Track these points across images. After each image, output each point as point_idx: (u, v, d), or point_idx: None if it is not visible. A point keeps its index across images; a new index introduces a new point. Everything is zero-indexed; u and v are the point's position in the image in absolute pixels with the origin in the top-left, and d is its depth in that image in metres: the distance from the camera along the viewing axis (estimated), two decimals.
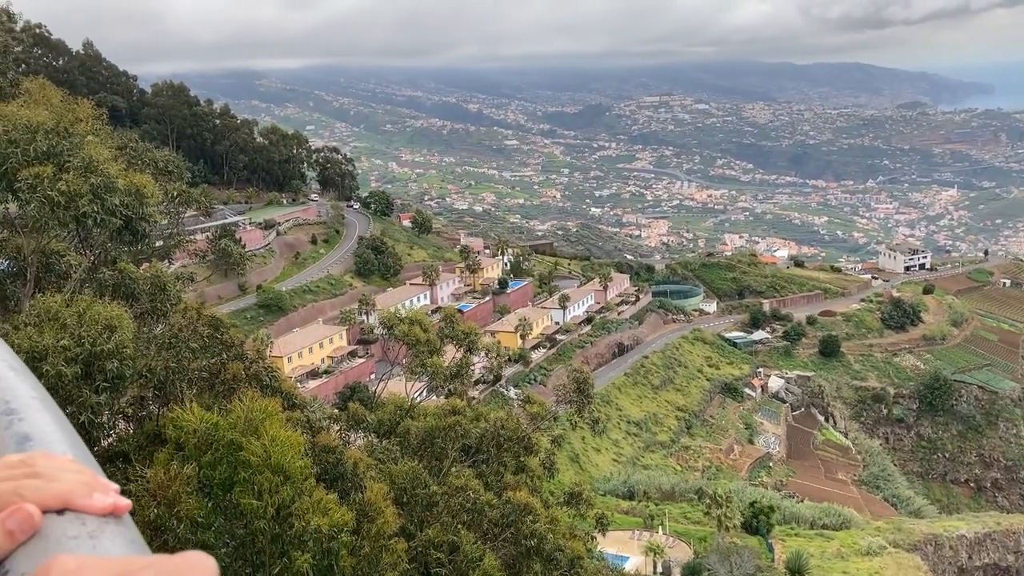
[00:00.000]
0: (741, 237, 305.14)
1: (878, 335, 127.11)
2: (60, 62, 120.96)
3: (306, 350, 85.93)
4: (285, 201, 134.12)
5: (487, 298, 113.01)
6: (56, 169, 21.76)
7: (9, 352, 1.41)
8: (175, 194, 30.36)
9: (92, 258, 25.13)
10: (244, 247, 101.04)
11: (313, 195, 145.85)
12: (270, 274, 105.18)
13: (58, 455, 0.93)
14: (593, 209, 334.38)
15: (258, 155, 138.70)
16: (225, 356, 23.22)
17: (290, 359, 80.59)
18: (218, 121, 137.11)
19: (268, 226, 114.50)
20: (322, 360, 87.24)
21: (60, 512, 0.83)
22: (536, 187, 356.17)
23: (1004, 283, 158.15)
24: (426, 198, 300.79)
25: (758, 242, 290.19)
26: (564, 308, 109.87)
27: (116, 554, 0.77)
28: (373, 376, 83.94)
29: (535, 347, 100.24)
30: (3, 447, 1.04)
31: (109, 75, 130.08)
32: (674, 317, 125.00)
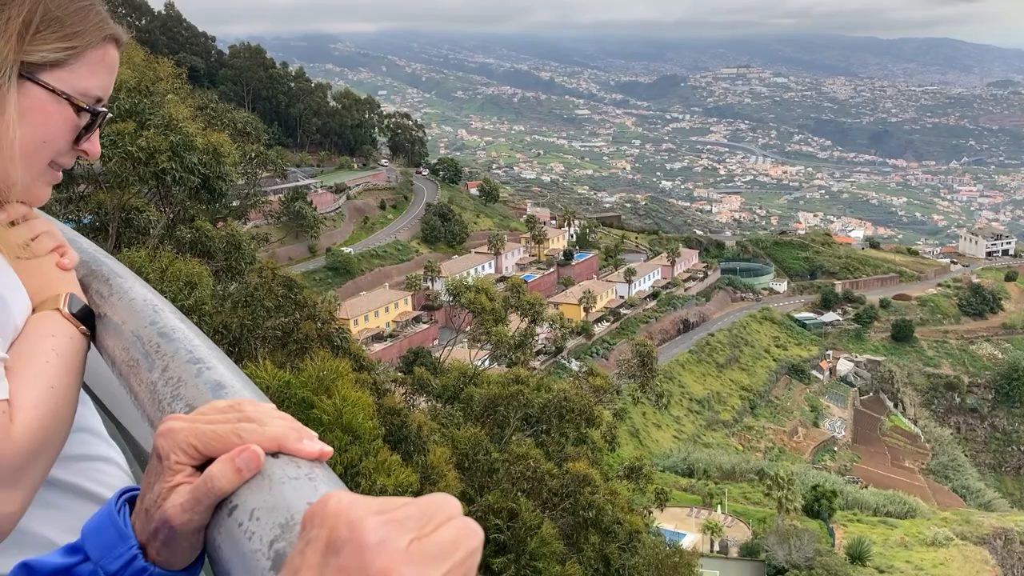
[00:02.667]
0: (816, 216, 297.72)
1: (954, 321, 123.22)
2: (142, 22, 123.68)
3: (372, 314, 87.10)
4: (356, 166, 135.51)
5: (551, 269, 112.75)
6: (137, 126, 22.25)
7: (171, 306, 1.45)
8: (252, 155, 30.80)
9: (170, 215, 25.74)
10: (315, 210, 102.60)
11: (383, 160, 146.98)
12: (339, 237, 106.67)
13: (263, 403, 0.97)
14: (664, 182, 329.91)
15: (331, 119, 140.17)
16: (298, 316, 23.60)
17: (356, 322, 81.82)
18: (293, 84, 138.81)
19: (339, 190, 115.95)
20: (387, 324, 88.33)
21: (275, 455, 0.87)
22: (606, 158, 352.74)
23: None
24: (494, 166, 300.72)
25: (833, 221, 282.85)
26: (629, 282, 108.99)
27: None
28: (436, 342, 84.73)
29: (598, 320, 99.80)
30: (199, 394, 1.09)
31: (189, 35, 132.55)
32: (742, 295, 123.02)
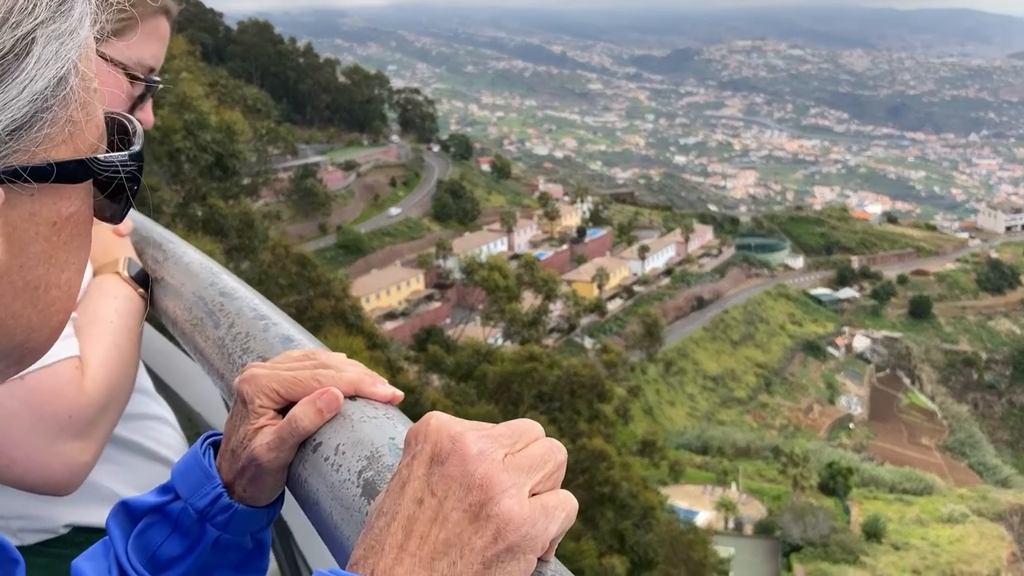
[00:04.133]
0: (832, 190, 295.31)
1: (973, 297, 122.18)
2: None
3: (383, 292, 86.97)
4: (366, 142, 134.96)
5: (564, 246, 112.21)
6: (151, 105, 21.92)
7: (226, 269, 1.54)
8: (264, 132, 30.48)
9: (183, 193, 25.50)
10: (325, 187, 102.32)
11: (393, 137, 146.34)
12: (349, 215, 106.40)
13: (333, 352, 1.03)
14: (678, 157, 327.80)
15: (340, 95, 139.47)
16: (312, 293, 23.39)
17: (367, 300, 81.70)
18: (301, 60, 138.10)
19: (349, 167, 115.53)
20: (399, 302, 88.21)
21: (352, 398, 0.93)
22: (619, 133, 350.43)
23: None
24: (506, 142, 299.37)
25: (849, 196, 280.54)
26: (643, 259, 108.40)
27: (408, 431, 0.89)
28: (448, 320, 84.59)
29: (612, 297, 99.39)
30: (269, 347, 1.16)
31: (196, 11, 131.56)
32: (757, 271, 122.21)
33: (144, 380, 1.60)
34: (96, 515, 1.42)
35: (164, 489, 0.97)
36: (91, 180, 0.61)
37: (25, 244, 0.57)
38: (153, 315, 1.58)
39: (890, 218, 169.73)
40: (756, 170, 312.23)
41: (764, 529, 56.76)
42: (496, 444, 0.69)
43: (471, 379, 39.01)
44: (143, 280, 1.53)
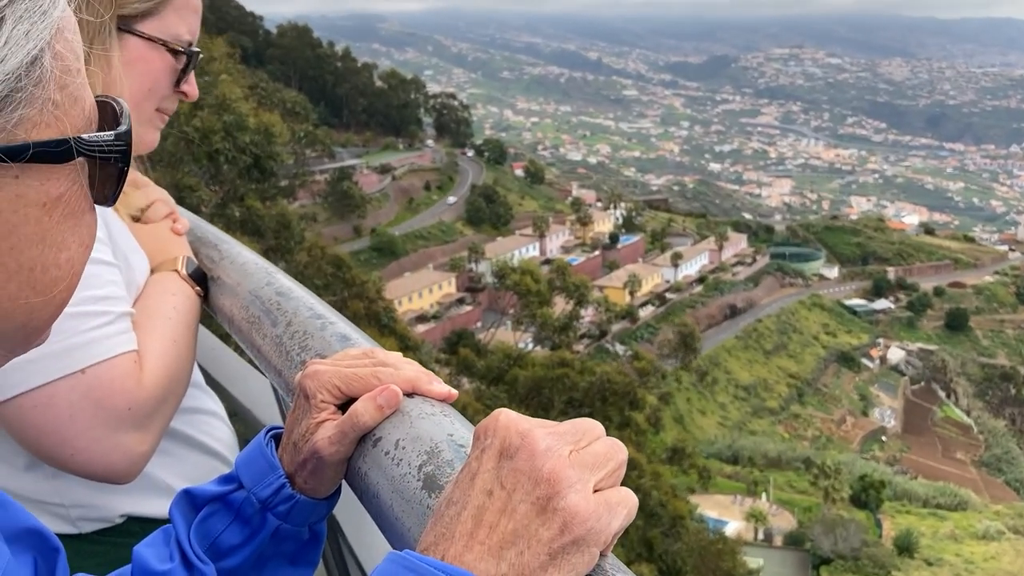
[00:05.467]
0: (868, 200, 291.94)
1: (1011, 310, 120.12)
2: None
3: (416, 295, 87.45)
4: (401, 146, 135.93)
5: (596, 252, 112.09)
6: (191, 106, 22.42)
7: (280, 269, 1.57)
8: (302, 135, 30.91)
9: (221, 194, 25.95)
10: (361, 190, 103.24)
11: (428, 141, 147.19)
12: (384, 218, 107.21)
13: (389, 351, 1.05)
14: (712, 165, 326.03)
15: (377, 99, 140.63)
16: (346, 294, 23.68)
17: (399, 303, 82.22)
18: (339, 64, 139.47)
19: (384, 170, 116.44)
20: (430, 305, 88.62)
21: (409, 395, 0.96)
22: (653, 140, 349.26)
23: None
24: (540, 148, 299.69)
25: (886, 207, 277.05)
26: (676, 266, 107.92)
27: (465, 427, 0.91)
28: (479, 324, 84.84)
29: (643, 304, 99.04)
30: (327, 345, 1.19)
31: (237, 15, 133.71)
32: (792, 281, 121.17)
33: (196, 374, 1.63)
34: (150, 506, 1.47)
35: (227, 479, 1.00)
36: (81, 160, 0.61)
37: (14, 226, 0.57)
38: (202, 311, 1.65)
39: (927, 229, 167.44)
40: (792, 178, 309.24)
41: (794, 541, 56.23)
42: (562, 441, 0.71)
43: (502, 383, 39.14)
44: (200, 278, 1.57)
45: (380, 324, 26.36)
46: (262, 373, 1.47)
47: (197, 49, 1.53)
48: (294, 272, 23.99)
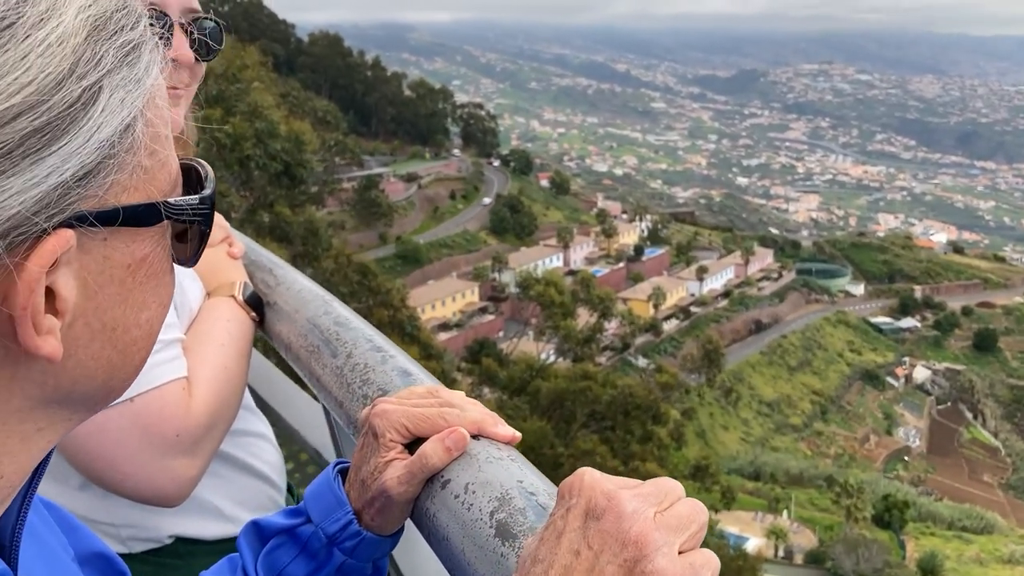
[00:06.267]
0: (896, 218, 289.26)
1: None
2: (225, 8, 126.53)
3: (439, 303, 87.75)
4: (428, 155, 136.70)
5: (621, 264, 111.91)
6: (224, 112, 22.76)
7: (336, 298, 1.59)
8: (332, 143, 31.21)
9: (251, 200, 26.27)
10: (388, 198, 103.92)
11: (455, 150, 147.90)
12: (409, 226, 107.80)
13: (452, 390, 1.06)
14: (739, 179, 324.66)
15: (405, 108, 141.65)
16: (371, 302, 23.86)
17: (423, 310, 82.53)
18: (369, 73, 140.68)
19: (410, 179, 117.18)
20: (453, 314, 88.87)
21: (475, 437, 0.96)
22: (680, 153, 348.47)
23: None
24: (566, 158, 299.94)
25: (914, 224, 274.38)
26: (701, 280, 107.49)
27: (533, 474, 0.91)
28: (502, 333, 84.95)
29: (668, 318, 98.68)
30: (388, 379, 1.19)
31: (269, 23, 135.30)
32: (817, 297, 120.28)
33: (247, 397, 1.64)
34: (198, 527, 1.50)
35: (295, 512, 1.02)
36: (165, 223, 0.63)
37: (100, 287, 0.59)
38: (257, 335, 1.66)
39: (956, 248, 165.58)
40: (819, 194, 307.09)
41: (815, 559, 55.68)
42: (647, 503, 0.71)
43: (524, 394, 39.14)
44: (256, 304, 1.58)
45: (404, 332, 26.53)
46: (314, 398, 1.47)
47: (202, 13, 1.50)
48: (321, 279, 24.25)
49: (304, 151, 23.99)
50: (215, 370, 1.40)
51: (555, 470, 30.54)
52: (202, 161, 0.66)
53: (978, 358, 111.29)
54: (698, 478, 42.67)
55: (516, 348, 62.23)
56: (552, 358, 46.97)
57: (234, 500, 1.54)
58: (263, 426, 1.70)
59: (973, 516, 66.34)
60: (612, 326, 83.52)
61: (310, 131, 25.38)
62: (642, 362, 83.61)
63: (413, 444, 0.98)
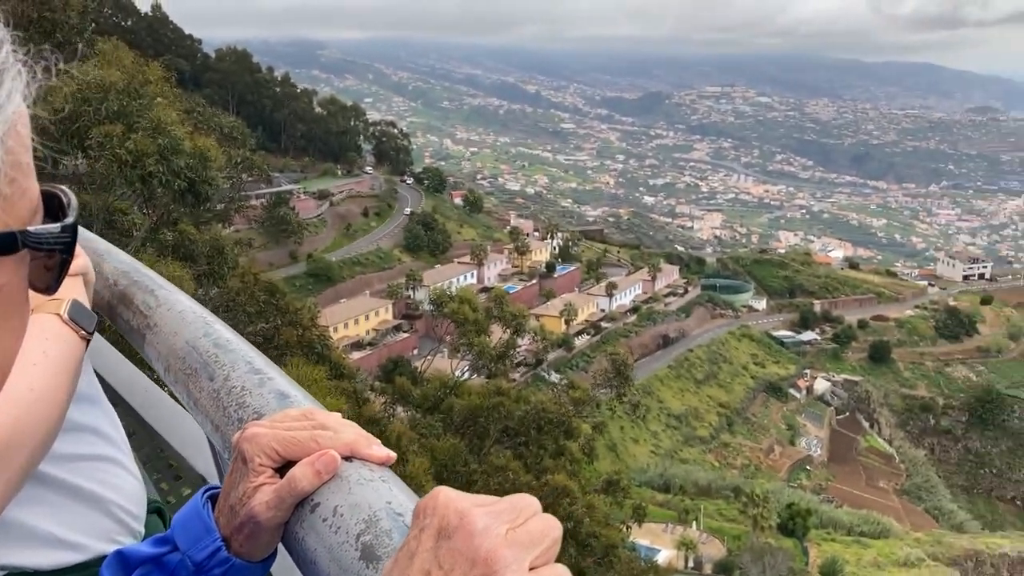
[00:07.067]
0: (796, 235, 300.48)
1: (931, 343, 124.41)
2: (128, 22, 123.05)
3: (352, 321, 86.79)
4: (340, 172, 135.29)
5: (534, 281, 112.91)
6: (125, 128, 22.17)
7: (219, 319, 1.55)
8: (238, 160, 30.71)
9: (154, 218, 25.61)
10: (298, 215, 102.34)
11: (367, 168, 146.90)
12: (321, 244, 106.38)
13: (328, 411, 1.05)
14: (646, 198, 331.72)
15: (316, 125, 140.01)
16: (279, 322, 23.52)
17: (335, 329, 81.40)
18: (279, 89, 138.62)
19: (322, 196, 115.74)
20: (367, 332, 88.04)
21: (348, 459, 0.96)
22: (590, 172, 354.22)
23: None
24: (479, 177, 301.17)
25: (813, 241, 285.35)
26: (611, 296, 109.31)
27: (404, 494, 0.91)
28: (416, 351, 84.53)
29: (579, 333, 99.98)
30: (265, 402, 1.17)
31: (175, 38, 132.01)
32: (722, 312, 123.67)
33: (98, 420, 1.55)
34: (29, 557, 1.40)
35: (162, 540, 0.99)
36: (24, 251, 0.61)
37: None
38: (142, 356, 1.64)
39: (852, 264, 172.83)
40: (722, 212, 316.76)
41: (723, 569, 56.98)
42: (499, 520, 0.72)
43: (438, 412, 39.02)
44: (87, 320, 1.47)
45: (314, 351, 26.21)
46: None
47: None
48: (226, 299, 23.78)
49: (209, 168, 23.52)
50: (18, 391, 1.29)
51: (469, 487, 30.47)
52: (65, 188, 0.64)
53: (873, 369, 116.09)
54: (610, 492, 43.21)
55: (430, 366, 62.00)
56: (466, 375, 46.97)
57: (70, 527, 1.44)
58: (112, 449, 1.59)
59: (871, 521, 68.96)
60: (525, 342, 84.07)
61: (216, 148, 24.93)
62: (555, 377, 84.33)
63: (286, 468, 0.97)
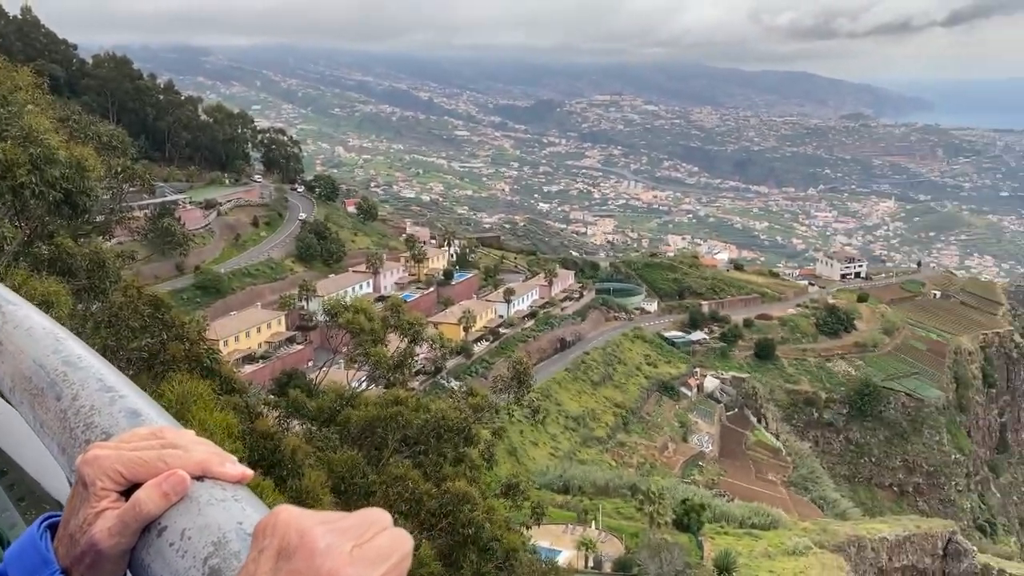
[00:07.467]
0: (684, 239, 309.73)
1: (812, 340, 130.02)
2: None
3: (243, 334, 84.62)
4: (227, 181, 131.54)
5: (431, 289, 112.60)
6: None
7: (73, 335, 1.49)
8: (119, 170, 29.55)
9: (28, 231, 24.37)
10: (184, 226, 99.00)
11: (257, 176, 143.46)
12: (209, 255, 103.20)
13: (181, 429, 1.01)
14: (541, 204, 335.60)
15: (201, 133, 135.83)
16: (165, 336, 22.74)
17: (226, 343, 79.23)
18: (161, 96, 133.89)
19: (209, 206, 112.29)
20: (259, 345, 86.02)
21: (199, 479, 0.92)
22: (485, 179, 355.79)
23: (935, 294, 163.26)
24: (372, 185, 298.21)
25: (700, 244, 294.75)
26: (508, 302, 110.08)
27: (258, 513, 0.87)
28: (311, 363, 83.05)
29: (478, 340, 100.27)
30: (114, 422, 1.13)
31: (48, 42, 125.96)
32: (616, 315, 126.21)
33: None
34: None
35: None
36: None
37: None
38: None
39: (737, 265, 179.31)
40: (614, 218, 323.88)
41: (622, 567, 58.05)
42: (344, 537, 0.70)
43: (334, 424, 38.42)
44: None
45: (203, 366, 25.45)
46: None
47: None
48: (108, 314, 22.86)
49: (87, 178, 22.57)
50: None
51: (367, 498, 30.25)
52: None
53: (759, 366, 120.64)
54: (509, 496, 43.48)
55: (326, 377, 60.93)
56: (363, 386, 46.42)
57: None
58: None
59: (760, 513, 71.45)
60: (423, 351, 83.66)
61: (94, 157, 23.94)
62: (454, 384, 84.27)
63: (133, 492, 0.92)
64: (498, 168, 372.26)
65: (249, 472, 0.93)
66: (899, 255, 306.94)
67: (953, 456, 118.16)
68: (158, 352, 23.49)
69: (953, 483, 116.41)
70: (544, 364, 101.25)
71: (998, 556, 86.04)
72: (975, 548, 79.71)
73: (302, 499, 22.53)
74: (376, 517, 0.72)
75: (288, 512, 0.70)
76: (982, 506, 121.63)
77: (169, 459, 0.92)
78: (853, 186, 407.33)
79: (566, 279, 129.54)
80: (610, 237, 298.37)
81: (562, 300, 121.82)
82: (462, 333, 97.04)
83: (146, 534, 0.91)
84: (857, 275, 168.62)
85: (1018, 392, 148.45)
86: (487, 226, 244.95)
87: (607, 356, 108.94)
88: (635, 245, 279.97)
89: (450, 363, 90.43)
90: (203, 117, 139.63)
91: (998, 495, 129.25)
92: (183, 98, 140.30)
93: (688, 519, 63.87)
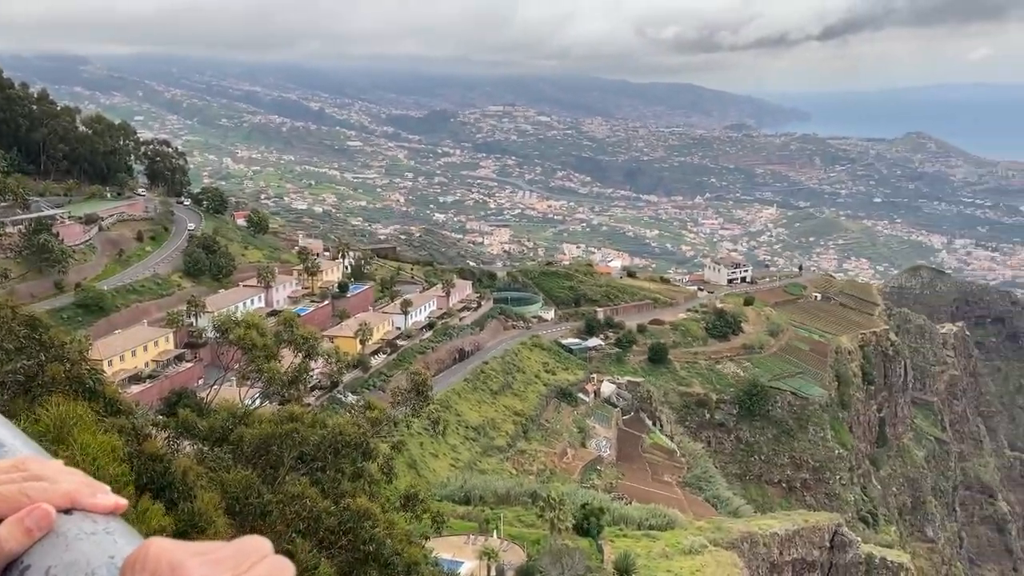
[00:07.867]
0: (578, 247, 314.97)
1: (702, 343, 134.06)
2: None
3: (128, 353, 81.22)
4: (109, 195, 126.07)
5: (326, 302, 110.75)
6: None
7: None
8: None
9: None
10: (62, 242, 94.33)
11: (140, 189, 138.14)
12: (91, 272, 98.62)
13: (48, 459, 0.95)
14: (437, 215, 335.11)
15: (80, 145, 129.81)
16: (44, 358, 21.69)
17: (111, 363, 75.89)
18: (35, 107, 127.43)
19: (89, 221, 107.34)
20: (146, 364, 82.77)
21: (67, 511, 0.87)
22: (379, 190, 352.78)
23: (815, 296, 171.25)
24: (263, 197, 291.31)
25: (594, 252, 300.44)
26: (406, 313, 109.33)
27: (131, 546, 0.83)
28: (202, 381, 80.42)
29: (375, 352, 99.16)
30: None
31: None
32: (514, 323, 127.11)
33: None
34: None
35: None
36: None
37: None
38: None
39: (629, 272, 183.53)
40: (510, 227, 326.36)
41: (525, 574, 58.36)
42: (219, 569, 0.68)
43: (227, 443, 37.33)
44: None
45: (85, 388, 24.36)
46: None
47: None
48: None
49: None
50: None
51: (263, 519, 29.50)
52: None
53: (653, 370, 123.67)
54: (408, 507, 43.18)
55: (218, 395, 59.11)
56: (257, 403, 45.28)
57: None
58: None
59: (658, 515, 73.13)
60: (319, 365, 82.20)
61: None
62: (352, 399, 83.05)
63: None
64: (392, 179, 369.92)
65: (123, 502, 0.88)
66: (781, 259, 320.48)
67: (837, 451, 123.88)
68: (36, 374, 22.37)
69: (837, 477, 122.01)
70: (443, 375, 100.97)
71: (880, 545, 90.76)
72: (859, 539, 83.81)
73: (194, 522, 21.82)
74: (254, 546, 0.71)
75: (159, 544, 0.69)
76: (864, 498, 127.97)
77: (32, 492, 0.86)
78: (738, 194, 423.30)
79: (464, 289, 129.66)
80: (506, 247, 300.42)
81: (460, 310, 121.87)
82: (359, 346, 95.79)
83: (7, 574, 0.85)
84: (743, 279, 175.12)
85: (895, 388, 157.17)
86: (382, 237, 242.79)
87: (506, 365, 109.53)
88: (531, 254, 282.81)
89: (347, 377, 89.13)
90: (82, 128, 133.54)
91: (879, 487, 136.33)
92: (59, 108, 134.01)
93: (588, 523, 64.76)
